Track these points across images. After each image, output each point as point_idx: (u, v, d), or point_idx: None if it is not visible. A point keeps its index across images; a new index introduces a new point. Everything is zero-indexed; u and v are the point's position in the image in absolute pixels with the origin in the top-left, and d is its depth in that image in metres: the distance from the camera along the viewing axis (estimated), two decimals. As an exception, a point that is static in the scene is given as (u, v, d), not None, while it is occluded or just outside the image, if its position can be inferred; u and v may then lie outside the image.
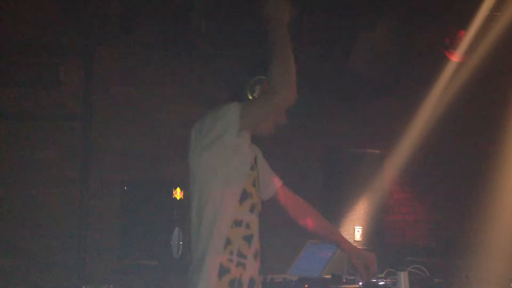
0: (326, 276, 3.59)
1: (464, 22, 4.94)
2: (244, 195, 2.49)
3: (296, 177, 5.36)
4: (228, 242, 2.43)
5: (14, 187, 4.69)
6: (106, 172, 4.89)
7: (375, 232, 4.88)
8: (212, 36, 5.10)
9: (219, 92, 5.12)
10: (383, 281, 3.44)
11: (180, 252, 4.13)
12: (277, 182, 2.78)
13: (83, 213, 4.81)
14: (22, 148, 4.73)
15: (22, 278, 4.59)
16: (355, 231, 4.84)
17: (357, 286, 3.38)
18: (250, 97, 2.58)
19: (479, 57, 5.02)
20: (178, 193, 4.33)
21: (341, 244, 2.75)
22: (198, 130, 2.59)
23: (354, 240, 4.82)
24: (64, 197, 4.79)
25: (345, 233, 4.84)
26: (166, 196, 4.36)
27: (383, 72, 5.07)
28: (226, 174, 2.47)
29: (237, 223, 2.45)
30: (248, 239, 2.46)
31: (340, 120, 5.47)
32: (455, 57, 5.01)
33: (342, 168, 4.99)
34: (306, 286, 3.36)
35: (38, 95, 4.74)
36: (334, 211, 4.90)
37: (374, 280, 3.43)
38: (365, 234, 4.85)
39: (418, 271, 3.48)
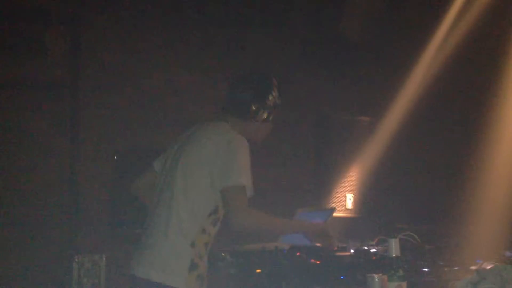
0: (317, 244, 3.58)
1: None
2: (215, 211, 2.69)
3: (287, 144, 5.34)
4: (193, 244, 2.66)
5: (3, 157, 4.64)
6: (96, 141, 4.84)
7: (366, 200, 4.88)
8: (203, 3, 5.03)
9: (210, 60, 5.07)
10: (375, 248, 3.44)
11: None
12: None
13: (74, 183, 4.78)
14: (9, 117, 4.66)
15: (13, 249, 4.57)
16: (347, 199, 4.84)
17: (349, 253, 3.38)
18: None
19: (470, 23, 4.97)
20: (168, 162, 4.29)
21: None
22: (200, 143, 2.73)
23: (346, 208, 4.82)
24: (55, 167, 4.74)
25: (336, 200, 4.84)
26: (156, 164, 4.32)
27: (374, 38, 5.02)
28: (212, 189, 2.66)
29: (203, 232, 2.68)
30: (206, 246, 2.70)
31: (331, 87, 5.43)
32: None
33: (333, 135, 4.96)
34: (297, 254, 3.35)
35: (23, 63, 4.66)
36: (325, 179, 4.89)
37: (365, 248, 3.43)
38: (356, 201, 4.85)
39: (409, 238, 3.48)
